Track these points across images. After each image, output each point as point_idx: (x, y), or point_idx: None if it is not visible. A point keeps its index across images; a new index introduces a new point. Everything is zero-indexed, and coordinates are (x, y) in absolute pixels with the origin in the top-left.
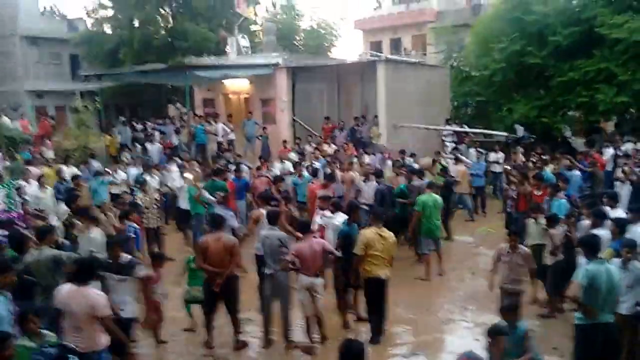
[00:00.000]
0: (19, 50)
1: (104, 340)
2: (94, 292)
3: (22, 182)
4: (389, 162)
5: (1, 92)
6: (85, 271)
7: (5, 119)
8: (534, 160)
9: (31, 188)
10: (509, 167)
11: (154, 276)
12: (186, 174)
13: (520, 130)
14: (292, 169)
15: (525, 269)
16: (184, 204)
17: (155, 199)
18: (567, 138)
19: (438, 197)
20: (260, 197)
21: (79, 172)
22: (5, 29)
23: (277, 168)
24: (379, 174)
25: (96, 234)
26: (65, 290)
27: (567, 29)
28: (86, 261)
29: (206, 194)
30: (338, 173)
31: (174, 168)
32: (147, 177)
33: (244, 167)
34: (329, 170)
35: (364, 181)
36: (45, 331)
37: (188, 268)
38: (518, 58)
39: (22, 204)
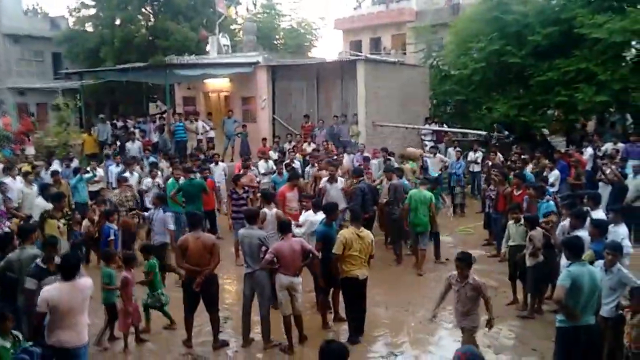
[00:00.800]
0: (1, 48)
1: (87, 334)
2: (82, 282)
3: (8, 179)
4: (376, 161)
5: None
6: (72, 268)
7: None
8: (514, 160)
9: (16, 184)
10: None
11: (130, 277)
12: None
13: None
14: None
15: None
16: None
17: (133, 196)
18: (546, 137)
19: (427, 193)
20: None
21: (58, 169)
22: None
23: (261, 167)
24: (358, 173)
25: None
26: (56, 288)
27: (546, 28)
28: (71, 258)
29: None
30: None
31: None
32: (127, 174)
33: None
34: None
35: (329, 182)
36: (14, 331)
37: (150, 272)
38: (497, 57)
39: (5, 201)
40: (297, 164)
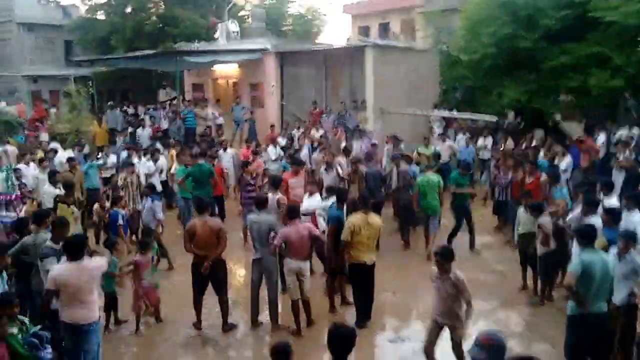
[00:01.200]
0: (15, 37)
1: (98, 311)
2: (94, 262)
3: (22, 165)
4: (387, 147)
5: None
6: (77, 248)
7: (2, 104)
8: (527, 146)
9: (30, 170)
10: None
11: (143, 262)
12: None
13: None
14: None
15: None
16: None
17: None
18: (558, 123)
19: (434, 177)
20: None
21: (72, 155)
22: (2, 16)
23: (271, 153)
24: (369, 158)
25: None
26: (62, 268)
27: (558, 12)
28: (76, 239)
29: None
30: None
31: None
32: (135, 160)
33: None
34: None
35: (325, 170)
36: (20, 316)
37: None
38: (508, 42)
39: (19, 187)
40: (305, 151)
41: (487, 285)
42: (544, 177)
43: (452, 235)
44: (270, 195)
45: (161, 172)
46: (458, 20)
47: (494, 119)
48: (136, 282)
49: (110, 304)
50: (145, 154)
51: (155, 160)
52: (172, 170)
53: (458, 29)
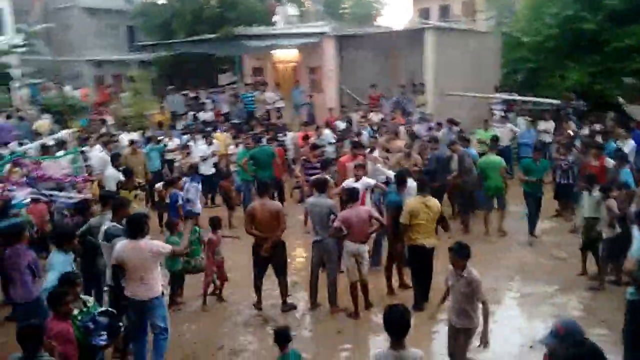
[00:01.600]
0: (79, 22)
1: (161, 287)
2: (148, 243)
3: (87, 148)
4: (441, 132)
5: (63, 62)
6: (136, 226)
7: (67, 88)
8: (597, 130)
9: (95, 152)
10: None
11: (215, 239)
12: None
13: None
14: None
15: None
16: (207, 170)
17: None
18: (622, 105)
19: (495, 158)
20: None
21: (135, 138)
22: (65, 1)
23: (329, 136)
24: (435, 140)
25: None
26: (123, 245)
27: None
28: (136, 218)
29: None
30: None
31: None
32: (191, 143)
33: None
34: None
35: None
36: (83, 296)
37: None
38: (571, 23)
39: (86, 168)
40: (365, 134)
41: (547, 270)
42: (609, 161)
43: (531, 227)
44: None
45: (213, 155)
46: (520, 1)
47: (556, 102)
48: (210, 258)
49: (175, 282)
50: (204, 137)
51: (210, 144)
52: (229, 152)
53: (520, 10)
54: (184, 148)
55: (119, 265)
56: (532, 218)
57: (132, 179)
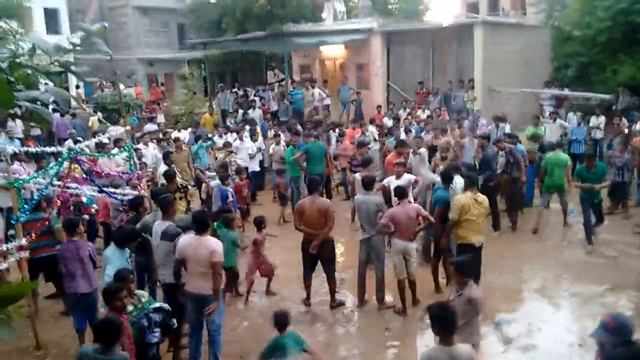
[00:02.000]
0: (131, 20)
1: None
2: (213, 240)
3: (141, 145)
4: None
5: (116, 60)
6: (202, 223)
7: (121, 86)
8: None
9: (149, 150)
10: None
11: (260, 239)
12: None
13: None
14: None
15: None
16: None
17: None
18: None
19: (564, 156)
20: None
21: (181, 135)
22: (118, 0)
23: (375, 133)
24: (487, 138)
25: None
26: (187, 240)
27: None
28: (201, 215)
29: None
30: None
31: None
32: (236, 142)
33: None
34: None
35: (413, 154)
36: (138, 291)
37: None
38: (625, 16)
39: (140, 166)
40: (413, 132)
41: (596, 269)
42: None
43: (588, 235)
44: (357, 175)
45: (259, 151)
46: None
47: (607, 97)
48: (254, 257)
49: (230, 278)
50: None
51: (255, 142)
52: (270, 151)
53: (571, 3)
54: (225, 146)
55: (182, 260)
56: (588, 225)
57: (174, 182)
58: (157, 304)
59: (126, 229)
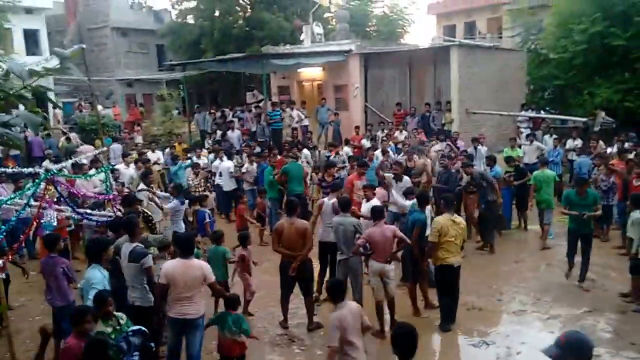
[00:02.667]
0: (110, 41)
1: (203, 308)
2: (200, 263)
3: (120, 166)
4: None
5: (95, 81)
6: (187, 246)
7: (99, 107)
8: (627, 149)
9: (129, 171)
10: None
11: (247, 255)
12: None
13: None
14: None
15: None
16: (225, 186)
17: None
18: None
19: (550, 173)
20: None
21: (161, 157)
22: (98, 21)
23: (349, 154)
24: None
25: None
26: (172, 265)
27: None
28: (185, 236)
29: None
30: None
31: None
32: (217, 162)
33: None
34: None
35: (395, 180)
36: (117, 313)
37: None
38: (600, 39)
39: (116, 187)
40: (391, 153)
41: (575, 292)
42: None
43: (583, 272)
44: (325, 200)
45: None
46: (547, 17)
47: (583, 119)
48: (244, 273)
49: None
50: (229, 156)
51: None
52: (243, 170)
53: (547, 26)
54: (195, 167)
55: (166, 285)
56: (571, 256)
57: (132, 207)
58: (135, 327)
59: (97, 240)
